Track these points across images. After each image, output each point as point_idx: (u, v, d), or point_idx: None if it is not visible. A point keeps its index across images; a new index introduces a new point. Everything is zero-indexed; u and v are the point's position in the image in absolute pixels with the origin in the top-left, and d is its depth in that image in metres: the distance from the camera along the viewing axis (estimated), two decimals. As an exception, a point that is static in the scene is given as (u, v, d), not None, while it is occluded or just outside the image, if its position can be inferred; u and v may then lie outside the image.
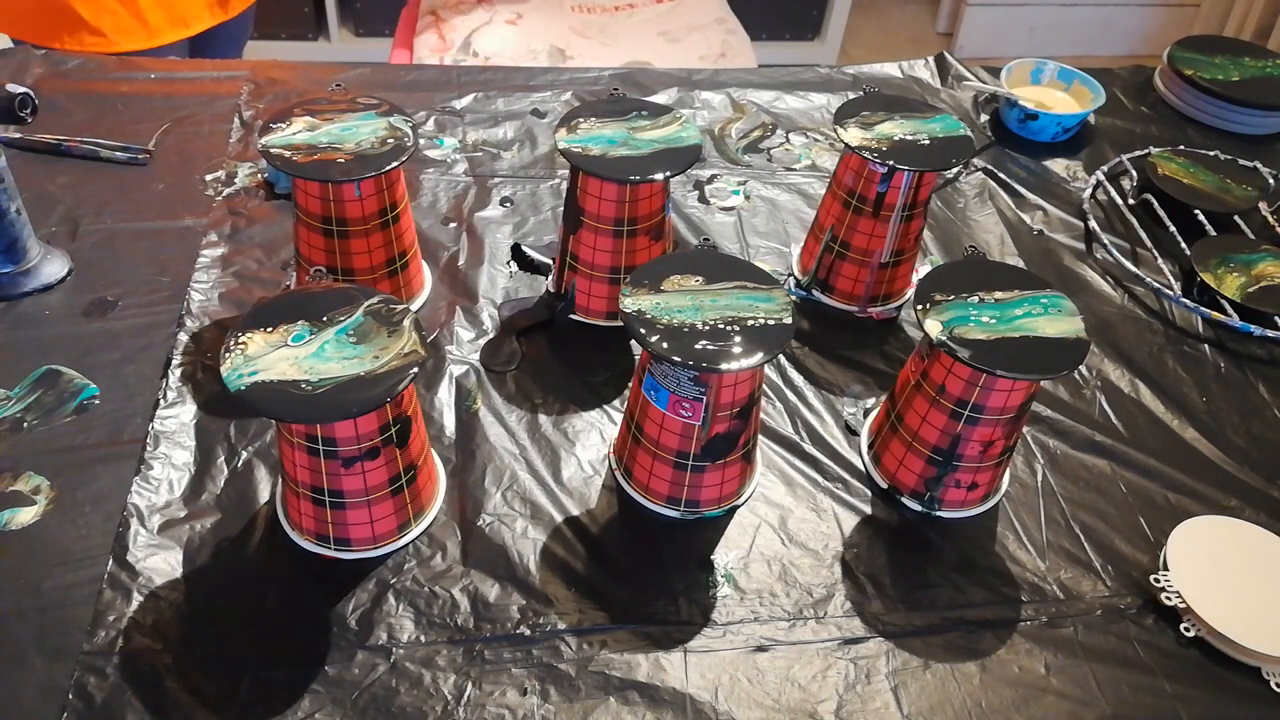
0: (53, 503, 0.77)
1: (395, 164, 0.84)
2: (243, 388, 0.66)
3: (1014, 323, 0.75)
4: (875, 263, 0.96)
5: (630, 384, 0.79)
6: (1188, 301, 1.03)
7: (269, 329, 0.69)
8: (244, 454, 0.82)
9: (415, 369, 0.68)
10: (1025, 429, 0.90)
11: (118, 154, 1.08)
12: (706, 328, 0.71)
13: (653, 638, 0.73)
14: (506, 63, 1.86)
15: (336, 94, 0.89)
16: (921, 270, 1.03)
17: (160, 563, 0.74)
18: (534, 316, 0.96)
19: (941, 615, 0.76)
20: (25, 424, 0.82)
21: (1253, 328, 1.00)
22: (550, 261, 0.99)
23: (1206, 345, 1.01)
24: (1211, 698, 0.72)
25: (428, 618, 0.73)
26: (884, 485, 0.84)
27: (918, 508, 0.83)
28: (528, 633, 0.72)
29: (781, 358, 0.94)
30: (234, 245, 1.00)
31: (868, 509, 0.83)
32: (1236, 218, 1.14)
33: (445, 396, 0.88)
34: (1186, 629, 0.76)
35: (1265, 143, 1.29)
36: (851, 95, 1.27)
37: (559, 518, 0.80)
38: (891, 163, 0.88)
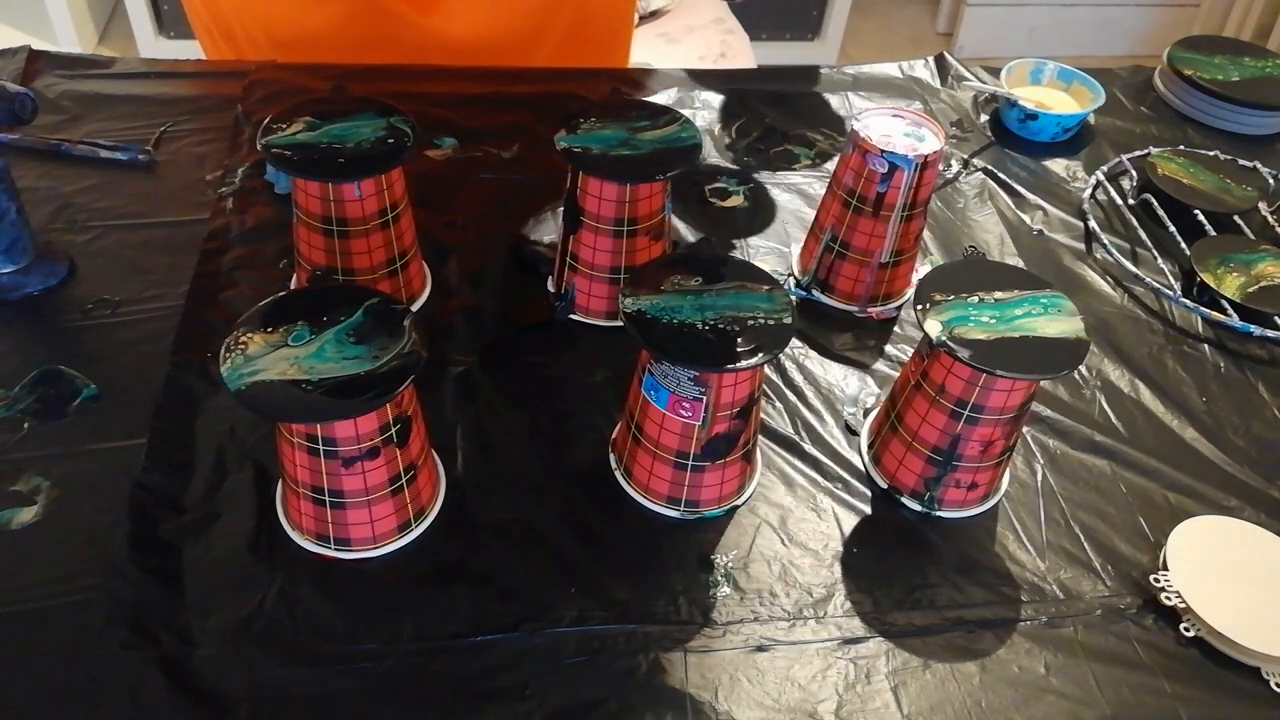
0: (53, 503, 0.77)
1: (395, 164, 0.84)
2: (243, 388, 0.66)
3: (1014, 323, 0.75)
4: (875, 263, 0.96)
5: (630, 384, 0.79)
6: (1188, 302, 1.03)
7: (269, 329, 0.69)
8: (244, 454, 0.82)
9: (416, 369, 0.68)
10: (1025, 429, 0.90)
11: (118, 154, 1.08)
12: (706, 328, 0.71)
13: (653, 637, 0.73)
14: (506, 63, 1.85)
15: (336, 94, 0.89)
16: (921, 270, 1.03)
17: (160, 563, 0.74)
18: (534, 316, 0.96)
19: (941, 615, 0.76)
20: (25, 424, 0.82)
21: (1253, 328, 1.00)
22: (550, 261, 0.99)
23: (1206, 345, 1.01)
24: (1211, 698, 0.72)
25: (428, 617, 0.73)
26: (884, 485, 0.84)
27: (917, 508, 0.83)
28: (528, 632, 0.73)
29: (781, 358, 0.94)
30: (234, 245, 1.00)
31: (867, 509, 0.83)
32: (1236, 218, 1.14)
33: (445, 396, 0.88)
34: (1186, 629, 0.76)
35: (1265, 143, 1.29)
36: (851, 95, 1.28)
37: (559, 518, 0.80)
38: (891, 163, 0.88)
